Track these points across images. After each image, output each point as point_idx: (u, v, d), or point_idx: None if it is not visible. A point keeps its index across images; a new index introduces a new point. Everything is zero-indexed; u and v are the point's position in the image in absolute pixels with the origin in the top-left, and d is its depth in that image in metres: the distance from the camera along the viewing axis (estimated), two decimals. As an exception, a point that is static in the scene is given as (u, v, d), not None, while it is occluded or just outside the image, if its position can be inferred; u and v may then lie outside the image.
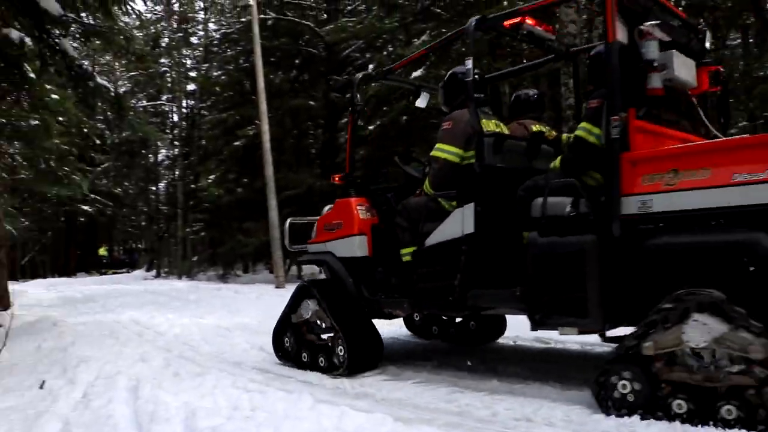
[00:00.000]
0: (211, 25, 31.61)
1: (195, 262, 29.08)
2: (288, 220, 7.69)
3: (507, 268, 5.10)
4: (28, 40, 10.75)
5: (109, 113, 10.37)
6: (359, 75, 7.02)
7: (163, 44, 33.04)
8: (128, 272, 38.55)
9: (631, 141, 4.45)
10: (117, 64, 36.06)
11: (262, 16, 22.39)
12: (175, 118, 35.14)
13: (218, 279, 24.90)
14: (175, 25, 31.99)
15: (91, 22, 9.75)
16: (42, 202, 34.58)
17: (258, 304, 13.51)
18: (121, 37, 10.10)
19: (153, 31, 33.93)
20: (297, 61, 25.48)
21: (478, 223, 5.25)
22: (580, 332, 4.74)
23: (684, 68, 5.02)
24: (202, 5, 32.61)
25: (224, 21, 28.68)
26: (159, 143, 35.22)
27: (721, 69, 5.76)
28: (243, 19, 24.43)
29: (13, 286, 23.21)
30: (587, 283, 4.46)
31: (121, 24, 10.49)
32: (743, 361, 3.75)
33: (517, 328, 7.10)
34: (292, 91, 25.36)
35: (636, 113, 4.52)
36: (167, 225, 35.16)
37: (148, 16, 33.31)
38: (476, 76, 5.49)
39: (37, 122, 14.84)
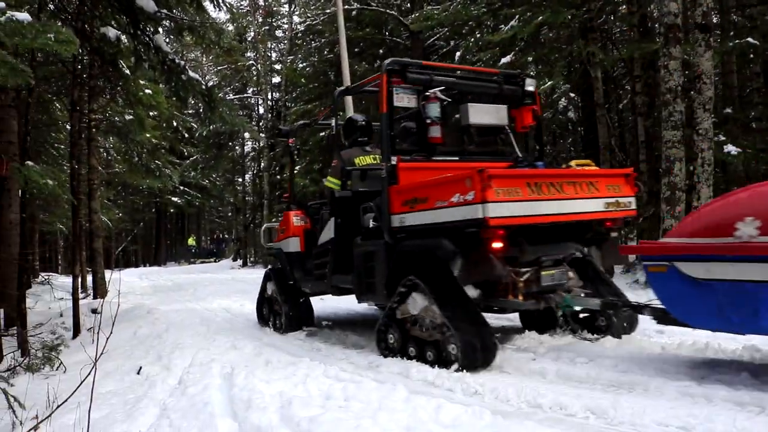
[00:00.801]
0: (296, 18, 31.87)
1: (281, 251, 29.34)
2: (264, 225, 11.42)
3: (351, 262, 7.28)
4: (123, 37, 11.07)
5: (200, 106, 10.48)
6: (298, 123, 10.23)
7: (249, 38, 33.56)
8: (216, 261, 39.45)
9: (400, 177, 6.61)
10: (205, 59, 36.90)
11: (346, 6, 22.40)
12: (261, 110, 35.72)
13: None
14: (260, 19, 32.40)
15: (183, 17, 9.90)
16: (134, 194, 35.83)
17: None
18: (212, 31, 10.24)
19: (239, 25, 34.58)
20: (381, 51, 25.43)
21: (336, 231, 7.62)
22: (377, 305, 7.78)
23: (484, 114, 7.25)
24: (286, -1, 32.94)
25: (308, 13, 28.85)
26: (246, 135, 35.87)
27: (536, 108, 7.59)
28: (327, 11, 24.53)
29: (108, 275, 24.20)
30: (376, 272, 6.84)
31: (212, 19, 10.61)
32: (436, 324, 5.94)
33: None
34: (376, 80, 25.38)
35: (402, 158, 6.72)
36: (253, 215, 35.80)
37: (234, 10, 33.78)
38: (364, 122, 8.14)
39: (131, 117, 15.32)
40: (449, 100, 7.07)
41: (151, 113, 16.26)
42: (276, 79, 33.59)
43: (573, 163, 7.55)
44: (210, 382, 5.52)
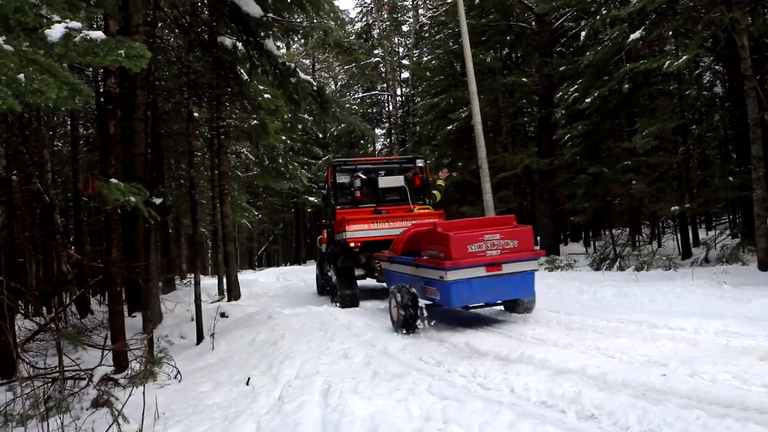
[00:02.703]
0: (420, 11, 31.60)
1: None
2: (319, 237, 16.87)
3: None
4: (239, 44, 11.22)
5: (313, 107, 10.44)
6: (322, 183, 14.82)
7: (375, 34, 33.65)
8: (355, 259, 39.88)
9: (344, 217, 12.42)
10: (335, 61, 37.41)
11: (468, -6, 21.87)
12: (390, 107, 35.78)
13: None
14: (385, 15, 32.41)
15: (290, 19, 9.84)
16: (273, 196, 36.89)
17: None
18: (321, 31, 10.12)
19: (364, 24, 34.80)
20: (508, 38, 24.67)
21: (327, 242, 14.42)
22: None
23: (389, 181, 13.46)
24: (410, -8, 32.75)
25: (429, 5, 28.50)
26: (377, 131, 36.06)
27: (420, 175, 13.61)
28: (449, 0, 24.06)
29: (247, 276, 24.99)
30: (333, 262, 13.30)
31: (322, 18, 10.49)
32: (335, 285, 12.93)
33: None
34: (505, 68, 24.61)
35: (339, 207, 13.28)
36: (389, 211, 35.94)
37: (357, 10, 33.96)
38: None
39: (256, 122, 15.62)
40: (364, 177, 13.37)
41: (279, 118, 16.54)
42: (405, 75, 33.51)
43: (415, 208, 13.10)
44: (307, 399, 5.30)
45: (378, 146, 39.11)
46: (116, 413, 5.37)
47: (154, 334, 9.87)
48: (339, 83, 39.46)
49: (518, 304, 9.06)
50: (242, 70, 12.30)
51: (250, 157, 25.87)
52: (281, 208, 41.45)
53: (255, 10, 9.33)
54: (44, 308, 14.19)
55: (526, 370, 5.76)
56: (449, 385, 5.58)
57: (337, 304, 12.26)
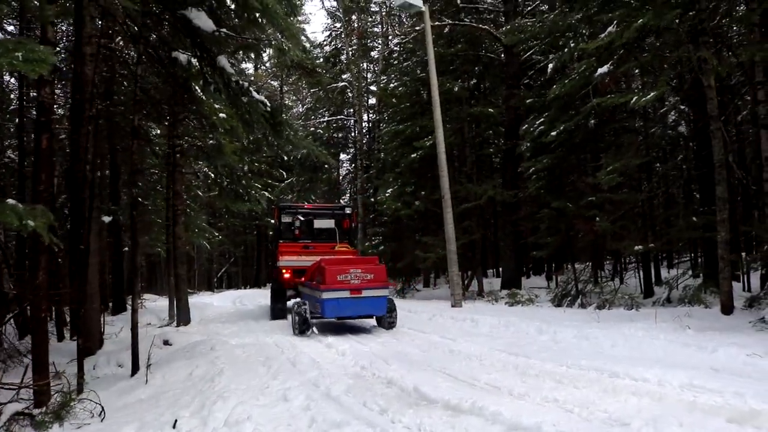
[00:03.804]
0: (389, 37, 31.40)
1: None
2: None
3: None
4: (194, 61, 10.71)
5: (267, 129, 9.93)
6: (301, 218, 17.02)
7: (343, 60, 33.32)
8: (315, 283, 39.30)
9: (280, 249, 16.35)
10: (301, 84, 36.95)
11: (437, 23, 21.63)
12: (356, 132, 35.49)
13: (396, 294, 24.27)
14: (354, 41, 32.12)
15: (244, 36, 9.36)
16: (235, 218, 36.16)
17: (427, 327, 12.60)
18: (277, 49, 9.67)
19: (333, 48, 34.46)
20: (476, 68, 24.48)
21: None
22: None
23: (323, 223, 17.12)
24: (379, 19, 32.53)
25: (398, 32, 28.29)
26: (342, 156, 35.57)
27: (348, 220, 17.26)
28: (418, 28, 23.83)
29: (202, 299, 24.19)
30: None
31: (285, 37, 10.06)
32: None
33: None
34: (472, 98, 24.38)
35: (282, 241, 16.78)
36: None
37: (326, 34, 33.72)
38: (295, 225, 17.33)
39: (212, 141, 15.07)
40: (303, 219, 16.62)
41: (237, 138, 16.00)
42: (372, 101, 33.19)
43: (336, 246, 16.13)
44: (229, 451, 4.73)
45: (342, 171, 38.67)
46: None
47: (86, 362, 9.21)
48: (305, 106, 39.02)
49: (382, 321, 12.77)
50: (197, 88, 11.78)
51: (211, 175, 25.31)
52: (243, 230, 40.68)
53: (207, 25, 8.86)
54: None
55: (476, 424, 5.29)
56: (391, 439, 5.08)
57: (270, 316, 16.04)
